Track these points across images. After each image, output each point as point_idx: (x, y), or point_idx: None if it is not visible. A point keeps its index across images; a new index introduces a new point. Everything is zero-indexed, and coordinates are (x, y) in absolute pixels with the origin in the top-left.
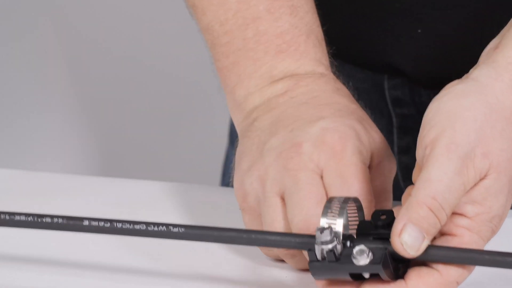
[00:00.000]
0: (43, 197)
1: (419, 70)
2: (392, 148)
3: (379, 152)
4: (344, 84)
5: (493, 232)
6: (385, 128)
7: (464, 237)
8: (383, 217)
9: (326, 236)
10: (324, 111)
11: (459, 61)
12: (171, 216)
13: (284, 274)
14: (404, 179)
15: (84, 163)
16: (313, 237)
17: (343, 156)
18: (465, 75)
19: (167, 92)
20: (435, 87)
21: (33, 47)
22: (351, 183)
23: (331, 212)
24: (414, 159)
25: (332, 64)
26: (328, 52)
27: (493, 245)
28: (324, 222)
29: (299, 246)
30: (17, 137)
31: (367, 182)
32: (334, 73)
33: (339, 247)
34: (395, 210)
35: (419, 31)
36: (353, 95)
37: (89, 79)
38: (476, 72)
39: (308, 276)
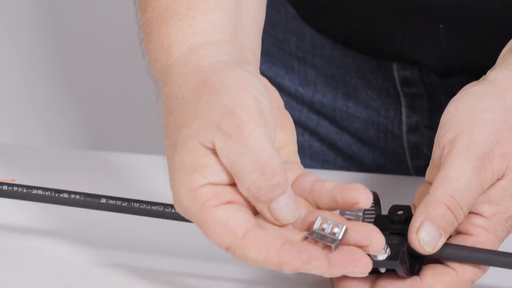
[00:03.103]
0: (31, 171)
1: (435, 64)
2: (400, 127)
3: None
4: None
5: (509, 232)
6: (392, 107)
7: (480, 236)
8: (400, 212)
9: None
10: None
11: (477, 57)
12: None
13: None
14: (412, 158)
15: (71, 137)
16: None
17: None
18: (483, 77)
19: None
20: (447, 76)
21: (14, 16)
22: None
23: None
24: (422, 138)
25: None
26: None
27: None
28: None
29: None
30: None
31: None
32: None
33: None
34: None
35: (441, 26)
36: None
37: (74, 51)
38: (493, 74)
39: None
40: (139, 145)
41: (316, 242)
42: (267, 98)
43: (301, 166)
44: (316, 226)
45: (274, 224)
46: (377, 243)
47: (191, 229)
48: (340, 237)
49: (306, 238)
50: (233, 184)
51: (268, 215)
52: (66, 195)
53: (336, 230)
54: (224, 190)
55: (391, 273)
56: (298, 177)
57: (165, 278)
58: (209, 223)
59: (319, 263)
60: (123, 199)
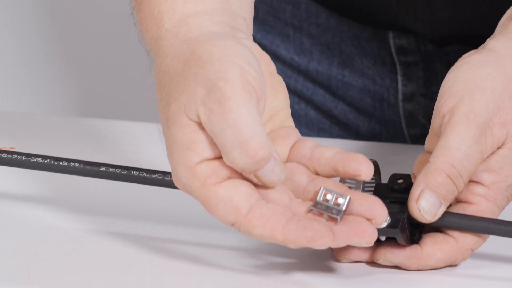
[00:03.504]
0: (29, 138)
1: (431, 32)
2: (396, 96)
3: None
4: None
5: (509, 200)
6: (388, 76)
7: (480, 205)
8: (400, 181)
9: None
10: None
11: (473, 25)
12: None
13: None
14: (407, 126)
15: (69, 105)
16: None
17: None
18: (482, 46)
19: None
20: (443, 45)
21: None
22: None
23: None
24: (418, 106)
25: None
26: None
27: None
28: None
29: None
30: None
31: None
32: None
33: None
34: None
35: None
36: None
37: (68, 18)
38: (492, 43)
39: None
40: (138, 113)
41: (320, 214)
42: (256, 67)
43: (297, 131)
44: (319, 197)
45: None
46: (380, 216)
47: (190, 197)
48: (344, 208)
49: (310, 210)
50: None
51: (254, 179)
52: (65, 163)
53: (340, 200)
54: (222, 165)
55: (391, 241)
56: (297, 143)
57: (165, 246)
58: (212, 201)
59: (325, 240)
60: (123, 167)
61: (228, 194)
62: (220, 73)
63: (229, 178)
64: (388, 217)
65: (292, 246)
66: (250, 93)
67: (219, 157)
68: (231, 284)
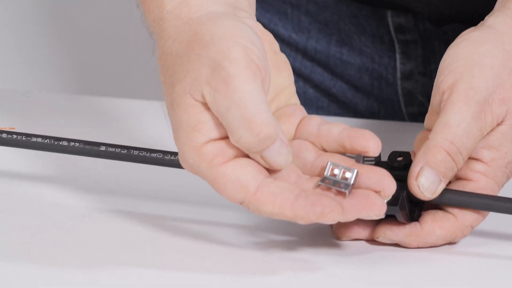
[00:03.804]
0: (29, 117)
1: (429, 11)
2: (394, 74)
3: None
4: None
5: (508, 177)
6: (386, 54)
7: (480, 182)
8: (400, 158)
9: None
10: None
11: (472, 4)
12: (159, 136)
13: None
14: (406, 104)
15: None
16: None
17: None
18: (481, 22)
19: None
20: (442, 24)
21: None
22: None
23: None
24: (416, 85)
25: None
26: None
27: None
28: None
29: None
30: None
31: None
32: None
33: None
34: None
35: None
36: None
37: None
38: (491, 20)
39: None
40: (139, 91)
41: (328, 189)
42: (259, 46)
43: (302, 108)
44: (327, 172)
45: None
46: (389, 188)
47: (190, 175)
48: (352, 181)
49: (318, 185)
50: None
51: (262, 162)
52: (65, 143)
53: (347, 174)
54: (228, 145)
55: (391, 218)
56: (303, 120)
57: (165, 224)
58: (220, 181)
59: (334, 214)
60: (122, 147)
61: (235, 173)
62: (223, 53)
63: (235, 157)
64: None
65: (301, 222)
66: (254, 72)
67: (226, 137)
68: (231, 261)
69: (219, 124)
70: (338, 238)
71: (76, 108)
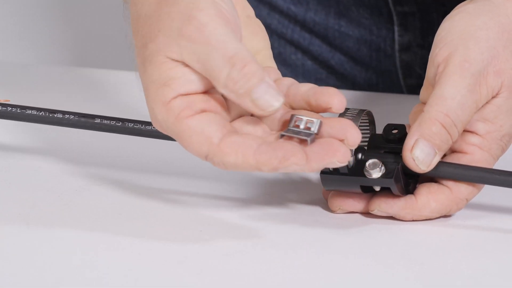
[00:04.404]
0: (24, 89)
1: None
2: (392, 46)
3: None
4: None
5: (503, 150)
6: (384, 26)
7: (475, 154)
8: (395, 131)
9: None
10: None
11: None
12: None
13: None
14: (404, 77)
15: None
16: None
17: None
18: None
19: None
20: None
21: None
22: None
23: None
24: (414, 57)
25: None
26: None
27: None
28: None
29: None
30: None
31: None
32: None
33: (351, 159)
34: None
35: None
36: None
37: None
38: None
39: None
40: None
41: (291, 138)
42: (227, 2)
43: (277, 71)
44: (291, 125)
45: (262, 116)
46: (352, 137)
47: (181, 149)
48: (315, 131)
49: (281, 136)
50: (205, 92)
51: (255, 109)
52: (60, 115)
53: (310, 125)
54: (197, 99)
55: (386, 191)
56: (275, 81)
57: (163, 197)
58: (185, 133)
59: (297, 159)
60: (117, 119)
61: (200, 126)
62: (192, 4)
63: (202, 112)
64: (383, 167)
65: (265, 169)
66: (225, 20)
67: (195, 93)
68: (229, 235)
69: (191, 80)
70: (333, 211)
71: (73, 80)
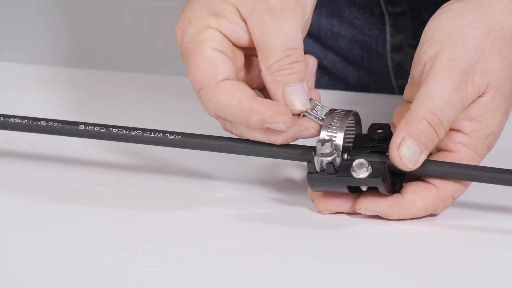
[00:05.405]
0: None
1: None
2: (384, 46)
3: None
4: None
5: (489, 149)
6: (376, 26)
7: (461, 153)
8: (380, 130)
9: (327, 149)
10: None
11: None
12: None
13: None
14: (396, 77)
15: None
16: (313, 148)
17: None
18: None
19: None
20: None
21: None
22: None
23: (332, 125)
24: (406, 57)
25: None
26: None
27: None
28: (324, 134)
29: (299, 158)
30: None
31: None
32: None
33: (338, 159)
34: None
35: None
36: None
37: None
38: None
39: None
40: (129, 63)
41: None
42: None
43: (318, 94)
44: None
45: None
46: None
47: (181, 151)
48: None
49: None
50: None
51: (280, 98)
52: (43, 123)
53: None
54: (227, 47)
55: (373, 191)
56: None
57: (158, 198)
58: (198, 58)
59: (286, 117)
60: (101, 125)
61: (215, 60)
62: None
63: (224, 53)
64: (370, 167)
65: (254, 119)
66: (303, 12)
67: (230, 41)
68: (224, 235)
69: (236, 26)
70: (319, 212)
71: (69, 81)
